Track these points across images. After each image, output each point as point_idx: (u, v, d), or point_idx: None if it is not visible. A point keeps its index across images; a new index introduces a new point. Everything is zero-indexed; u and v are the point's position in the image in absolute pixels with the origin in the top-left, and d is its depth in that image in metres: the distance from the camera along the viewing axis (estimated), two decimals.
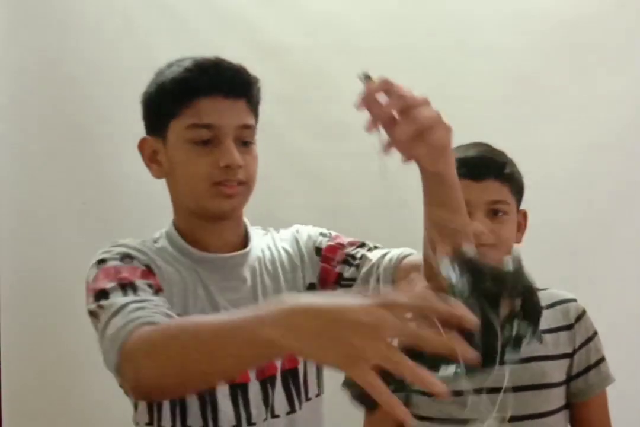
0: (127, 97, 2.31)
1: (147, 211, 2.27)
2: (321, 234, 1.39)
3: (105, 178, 2.30)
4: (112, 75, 2.31)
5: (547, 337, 1.61)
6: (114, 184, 2.30)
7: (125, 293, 1.14)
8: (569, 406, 1.65)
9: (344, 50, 2.32)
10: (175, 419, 1.25)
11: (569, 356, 1.63)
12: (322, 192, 2.26)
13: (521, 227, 1.69)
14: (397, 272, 1.28)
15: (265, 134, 2.46)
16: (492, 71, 2.31)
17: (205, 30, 2.31)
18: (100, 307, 1.13)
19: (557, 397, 1.62)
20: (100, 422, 2.20)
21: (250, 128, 1.30)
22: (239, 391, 1.26)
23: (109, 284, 1.16)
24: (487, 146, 1.69)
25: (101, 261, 1.24)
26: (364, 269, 1.31)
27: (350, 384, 0.90)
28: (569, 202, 2.30)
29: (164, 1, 2.36)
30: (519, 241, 1.69)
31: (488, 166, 1.62)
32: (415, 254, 1.29)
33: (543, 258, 2.25)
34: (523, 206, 2.26)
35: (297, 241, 1.39)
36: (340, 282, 1.33)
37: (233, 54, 1.36)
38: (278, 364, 1.29)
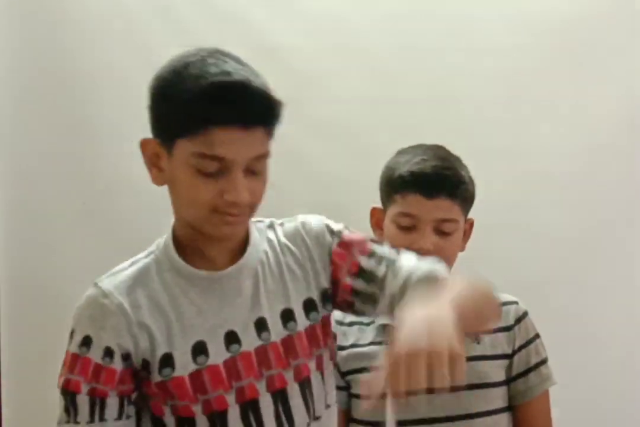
0: (127, 97, 2.33)
1: (147, 211, 2.27)
2: (330, 231, 1.32)
3: (105, 178, 2.30)
4: (112, 75, 2.31)
5: (485, 337, 1.61)
6: (114, 184, 2.30)
7: (92, 414, 1.21)
8: (511, 408, 1.65)
9: (344, 50, 2.32)
10: None
11: (509, 356, 1.63)
12: (322, 192, 2.27)
13: (466, 235, 1.69)
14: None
15: None
16: (491, 71, 2.31)
17: (205, 30, 2.30)
18: (68, 414, 1.24)
19: (497, 397, 1.62)
20: None
21: (264, 157, 1.22)
22: (249, 409, 1.25)
23: (82, 388, 1.23)
24: (443, 157, 1.65)
25: (73, 333, 1.28)
26: (385, 291, 1.26)
27: None
28: (565, 203, 2.30)
29: (164, 1, 2.36)
30: (462, 249, 1.69)
31: (442, 185, 1.60)
32: (440, 274, 1.26)
33: (542, 258, 2.26)
34: (518, 206, 2.27)
35: (304, 241, 1.32)
36: (353, 294, 1.29)
37: None
38: (290, 376, 1.27)
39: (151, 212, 2.29)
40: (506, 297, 1.67)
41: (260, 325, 1.26)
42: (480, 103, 2.30)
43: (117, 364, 1.22)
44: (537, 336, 1.67)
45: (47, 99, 2.30)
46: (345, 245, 1.31)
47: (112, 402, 1.22)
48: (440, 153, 1.66)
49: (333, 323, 1.70)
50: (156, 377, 1.22)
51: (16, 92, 2.30)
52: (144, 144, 1.25)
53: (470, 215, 1.70)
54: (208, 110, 1.14)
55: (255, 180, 1.21)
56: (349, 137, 2.29)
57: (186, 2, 2.34)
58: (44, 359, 2.24)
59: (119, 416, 1.23)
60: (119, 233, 2.27)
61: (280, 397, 1.26)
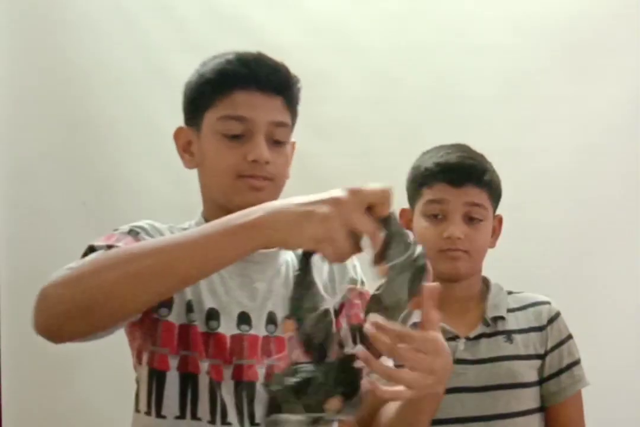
0: (128, 96, 2.34)
1: (147, 211, 2.27)
2: (354, 271, 1.36)
3: (105, 178, 2.30)
4: (112, 74, 2.31)
5: (517, 337, 1.62)
6: (114, 184, 2.30)
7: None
8: (544, 409, 1.65)
9: (344, 50, 2.33)
10: (185, 409, 1.23)
11: (541, 357, 1.63)
12: (321, 192, 2.26)
13: (495, 232, 1.70)
14: None
15: None
16: (491, 71, 2.32)
17: (205, 30, 2.31)
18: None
19: (528, 397, 1.62)
20: (100, 422, 2.20)
21: (284, 126, 1.29)
22: (244, 388, 1.25)
23: (100, 243, 1.17)
24: (467, 150, 1.69)
25: (115, 230, 1.24)
26: None
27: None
28: (565, 202, 2.30)
29: (164, 1, 2.36)
30: (492, 245, 1.70)
31: (468, 172, 1.62)
32: None
33: (539, 259, 2.26)
34: (519, 206, 2.27)
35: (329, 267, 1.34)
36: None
37: None
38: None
39: (151, 213, 2.29)
40: (539, 297, 1.69)
41: (270, 319, 1.28)
42: (480, 103, 2.30)
43: None
44: (569, 336, 1.67)
45: (47, 98, 2.30)
46: (363, 296, 1.34)
47: None
48: (464, 148, 1.70)
49: None
50: (191, 324, 1.23)
51: (16, 92, 2.30)
52: (177, 132, 1.35)
53: None
54: (231, 74, 1.27)
55: (276, 152, 1.27)
56: (349, 137, 2.29)
57: (186, 1, 2.34)
58: (44, 359, 2.24)
59: None
60: None
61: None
